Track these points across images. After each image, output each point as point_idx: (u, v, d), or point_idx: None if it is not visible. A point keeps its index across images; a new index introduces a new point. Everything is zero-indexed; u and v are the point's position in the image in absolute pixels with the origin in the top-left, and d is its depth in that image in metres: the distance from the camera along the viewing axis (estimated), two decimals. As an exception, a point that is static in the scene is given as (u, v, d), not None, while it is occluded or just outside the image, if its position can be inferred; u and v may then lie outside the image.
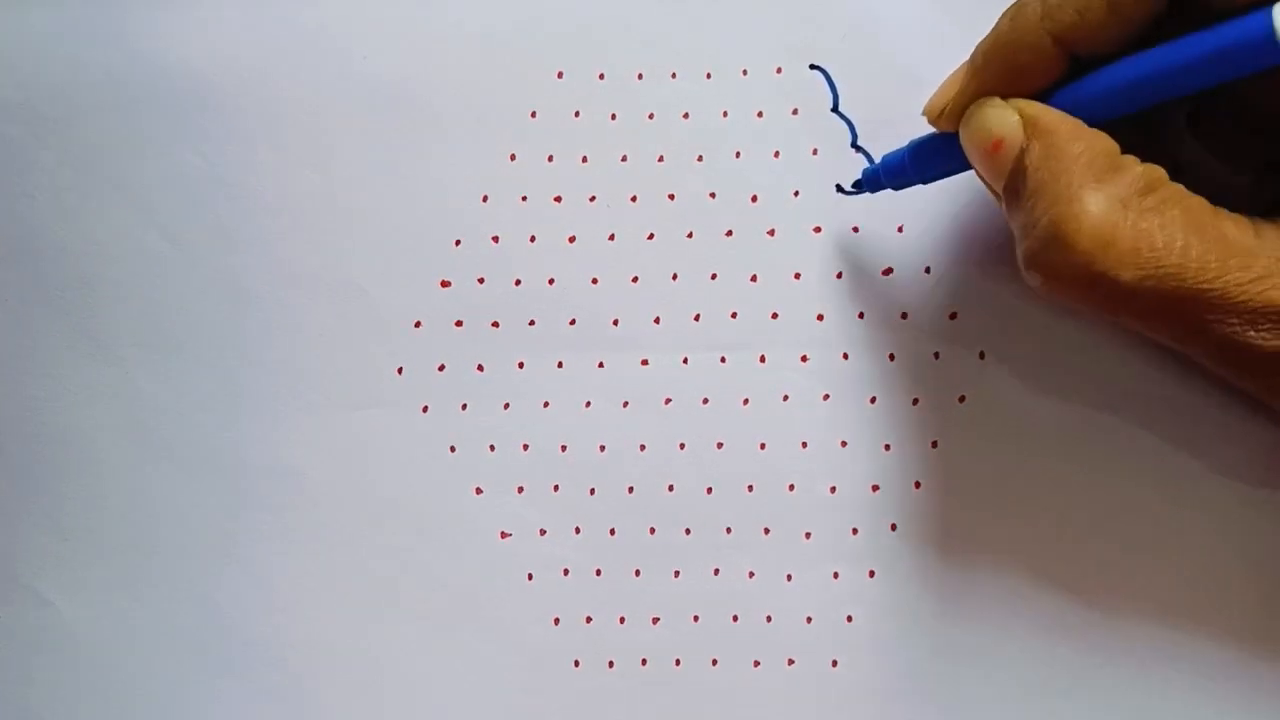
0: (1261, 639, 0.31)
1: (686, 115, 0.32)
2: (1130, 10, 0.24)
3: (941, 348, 0.31)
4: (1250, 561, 0.31)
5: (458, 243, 0.32)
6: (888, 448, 0.32)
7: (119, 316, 0.33)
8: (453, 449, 0.32)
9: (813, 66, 0.32)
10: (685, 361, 0.32)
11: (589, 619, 0.32)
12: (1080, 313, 0.30)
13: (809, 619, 0.32)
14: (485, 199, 0.32)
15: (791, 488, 0.32)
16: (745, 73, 0.32)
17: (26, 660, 0.33)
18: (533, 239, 0.32)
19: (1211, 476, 0.31)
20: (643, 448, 0.32)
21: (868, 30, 0.32)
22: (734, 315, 0.32)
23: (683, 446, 0.32)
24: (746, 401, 0.32)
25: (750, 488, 0.32)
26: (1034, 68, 0.25)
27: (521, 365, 0.32)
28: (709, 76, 0.32)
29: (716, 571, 0.32)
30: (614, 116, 0.32)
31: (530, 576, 0.32)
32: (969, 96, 0.26)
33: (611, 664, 0.32)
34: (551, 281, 0.32)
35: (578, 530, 0.32)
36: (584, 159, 0.32)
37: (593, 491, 0.32)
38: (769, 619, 0.32)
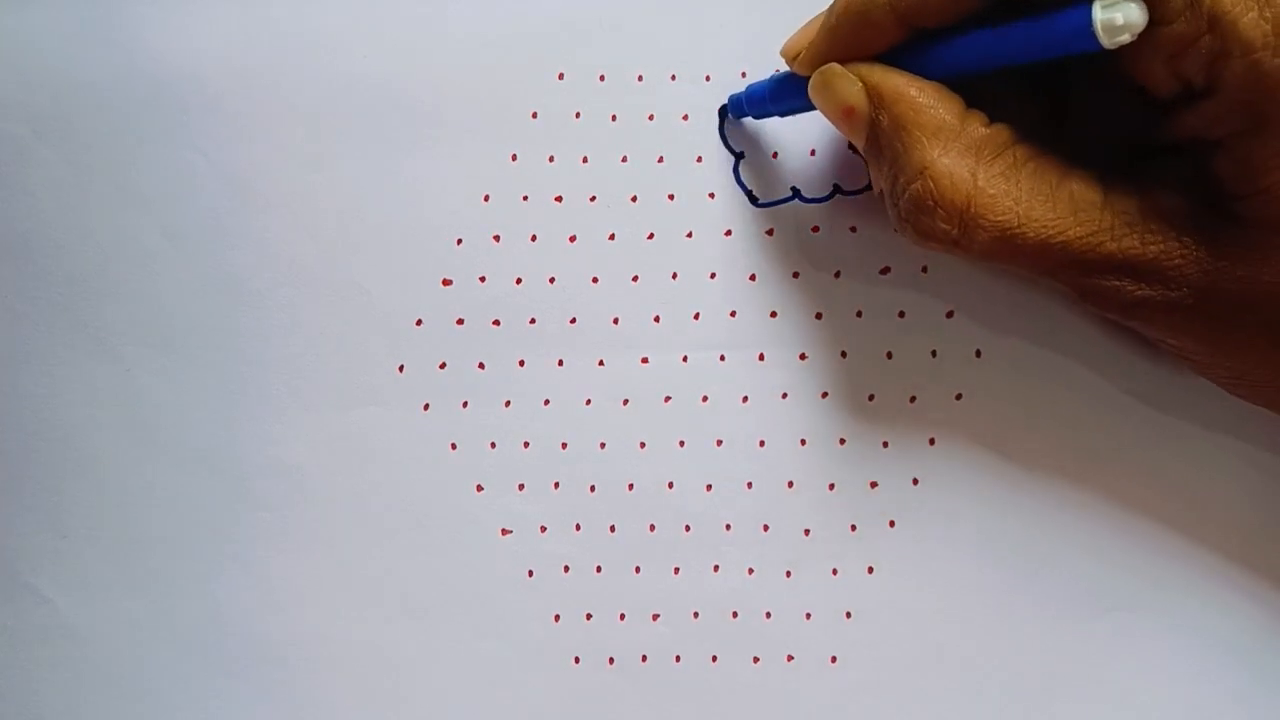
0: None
1: (686, 117, 0.32)
2: None
3: (939, 346, 0.32)
4: (1253, 549, 0.31)
5: (459, 241, 0.32)
6: (886, 445, 0.32)
7: (119, 314, 0.33)
8: (453, 447, 0.32)
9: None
10: (685, 360, 0.32)
11: (589, 616, 0.32)
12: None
13: (808, 615, 0.32)
14: (486, 198, 0.32)
15: (791, 485, 0.32)
16: (744, 75, 0.32)
17: (26, 657, 0.32)
18: (534, 238, 0.32)
19: (1209, 466, 0.31)
20: (643, 445, 0.32)
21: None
22: (733, 314, 0.32)
23: (682, 444, 0.32)
24: (746, 400, 0.32)
25: (749, 485, 0.32)
26: (879, 37, 0.27)
27: (522, 363, 0.32)
28: (708, 79, 0.32)
29: (716, 568, 0.32)
30: (614, 117, 0.32)
31: (531, 573, 0.32)
32: (820, 48, 0.28)
33: (612, 660, 0.32)
34: (552, 280, 0.32)
35: (578, 527, 0.32)
36: (584, 159, 0.32)
37: (593, 489, 0.32)
38: (768, 615, 0.32)
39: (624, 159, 0.32)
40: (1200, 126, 0.25)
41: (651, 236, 0.32)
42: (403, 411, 0.32)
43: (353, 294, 0.33)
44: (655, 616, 0.32)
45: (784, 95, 0.30)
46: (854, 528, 0.32)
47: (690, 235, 0.32)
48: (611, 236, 0.32)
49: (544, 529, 0.32)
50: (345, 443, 0.32)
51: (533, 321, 0.32)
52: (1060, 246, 0.26)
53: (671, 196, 0.32)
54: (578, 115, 0.32)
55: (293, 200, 0.33)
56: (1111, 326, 0.31)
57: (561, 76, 0.32)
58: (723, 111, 0.32)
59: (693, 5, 0.32)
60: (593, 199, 0.32)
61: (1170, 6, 0.24)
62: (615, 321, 0.32)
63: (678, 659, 0.32)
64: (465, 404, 0.32)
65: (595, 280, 0.32)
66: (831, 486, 0.32)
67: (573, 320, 0.32)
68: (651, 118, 0.32)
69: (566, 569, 0.32)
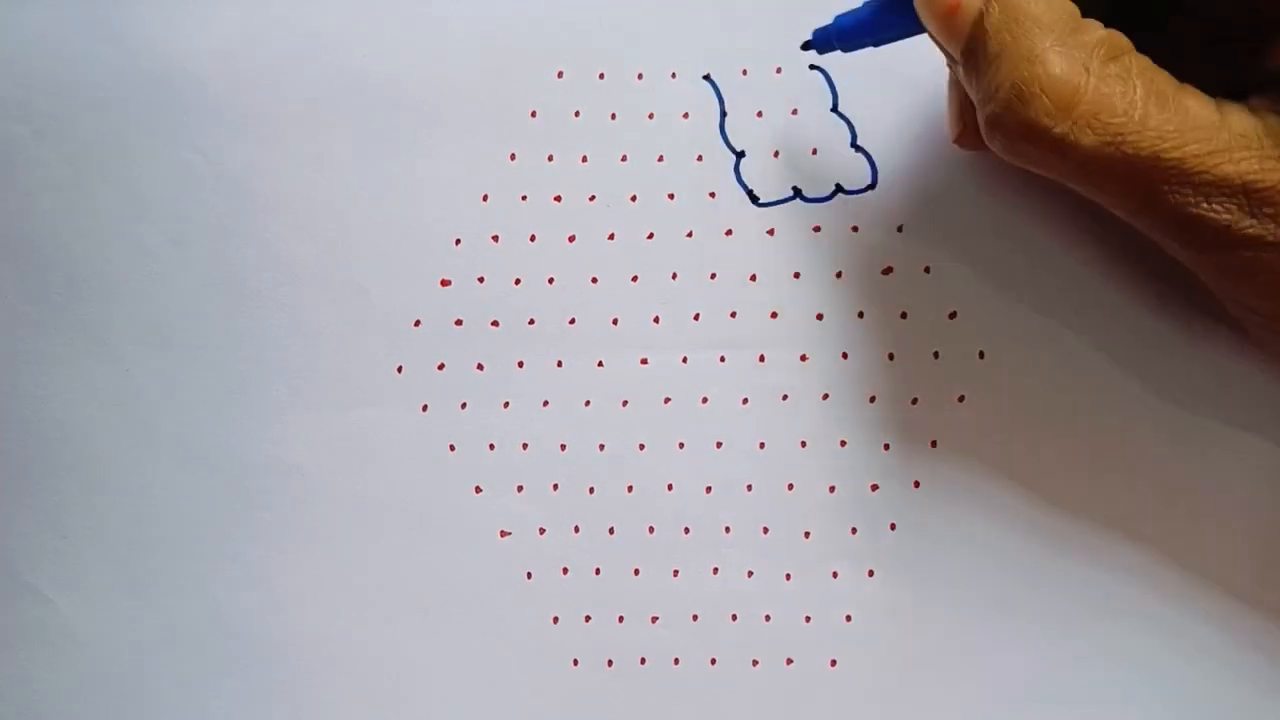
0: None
1: (686, 115, 0.32)
2: None
3: (941, 347, 0.32)
4: (1255, 556, 0.31)
5: (458, 242, 0.32)
6: (887, 447, 0.32)
7: (118, 314, 0.33)
8: (452, 448, 0.32)
9: (812, 67, 0.32)
10: (684, 361, 0.32)
11: (588, 618, 0.32)
12: (1043, 178, 0.28)
13: (808, 618, 0.32)
14: (485, 198, 0.32)
15: (791, 487, 0.32)
16: (745, 73, 0.32)
17: (25, 657, 0.33)
18: (533, 238, 0.32)
19: (1214, 469, 0.31)
20: (642, 447, 0.32)
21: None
22: (733, 315, 0.32)
23: (682, 446, 0.32)
24: (746, 401, 0.32)
25: (749, 487, 0.32)
26: None
27: (521, 364, 0.32)
28: (708, 78, 0.32)
29: (715, 571, 0.32)
30: (614, 116, 0.32)
31: (529, 575, 0.32)
32: None
33: (610, 663, 0.32)
34: (551, 281, 0.32)
35: (577, 529, 0.32)
36: (584, 159, 0.32)
37: (592, 490, 0.32)
38: (768, 618, 0.32)
39: (623, 158, 0.32)
40: None
41: (651, 236, 0.32)
42: (401, 412, 0.32)
43: (352, 294, 0.32)
44: (654, 619, 0.32)
45: (886, 20, 0.28)
46: (854, 530, 0.32)
47: (690, 235, 0.32)
48: (611, 236, 0.32)
49: (543, 531, 0.32)
50: (345, 443, 0.32)
51: (532, 322, 0.32)
52: (1175, 162, 0.24)
53: (671, 196, 0.32)
54: (577, 114, 0.32)
55: (293, 200, 0.33)
56: (1115, 325, 0.31)
57: (561, 75, 0.32)
58: (806, 46, 0.30)
59: (693, 5, 0.32)
60: (592, 199, 0.32)
61: None
62: (615, 322, 0.32)
63: (676, 661, 0.32)
64: (464, 405, 0.32)
65: (595, 280, 0.32)
66: (832, 489, 0.32)
67: (572, 321, 0.32)
68: (651, 117, 0.32)
69: (565, 571, 0.32)
